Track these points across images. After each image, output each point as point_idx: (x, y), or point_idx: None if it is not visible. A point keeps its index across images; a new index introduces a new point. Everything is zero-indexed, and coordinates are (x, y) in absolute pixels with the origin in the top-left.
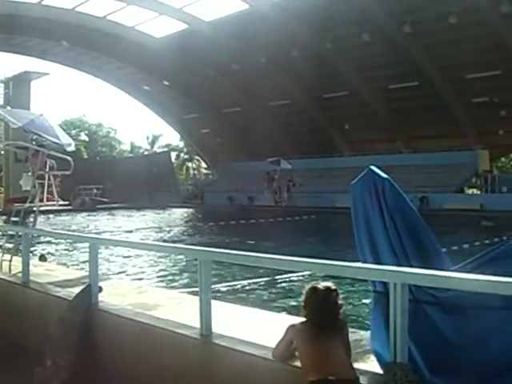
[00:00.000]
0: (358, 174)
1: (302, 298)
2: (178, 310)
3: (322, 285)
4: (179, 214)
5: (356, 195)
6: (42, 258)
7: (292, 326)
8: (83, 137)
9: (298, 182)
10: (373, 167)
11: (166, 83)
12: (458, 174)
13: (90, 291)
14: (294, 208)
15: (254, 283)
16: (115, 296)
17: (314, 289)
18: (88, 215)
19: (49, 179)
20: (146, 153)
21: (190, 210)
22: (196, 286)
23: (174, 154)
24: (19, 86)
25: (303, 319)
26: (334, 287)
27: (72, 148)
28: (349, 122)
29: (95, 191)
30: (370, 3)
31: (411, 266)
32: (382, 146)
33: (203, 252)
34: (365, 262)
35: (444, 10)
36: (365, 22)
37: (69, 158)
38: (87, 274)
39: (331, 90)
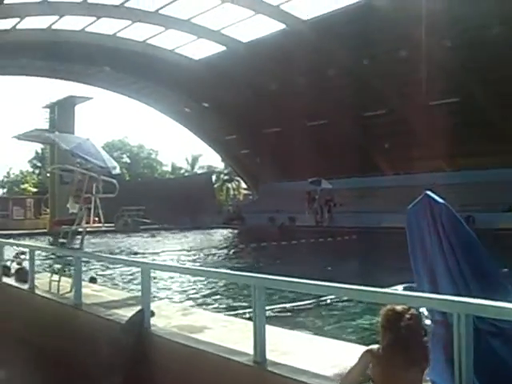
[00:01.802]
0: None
1: (381, 321)
2: (225, 333)
3: (404, 308)
4: (220, 234)
5: (412, 220)
6: (93, 280)
7: (369, 352)
8: (125, 159)
9: (338, 202)
10: (428, 192)
11: (206, 105)
12: (507, 192)
13: (142, 315)
14: (336, 228)
15: (300, 305)
16: (161, 318)
17: (398, 313)
18: (131, 236)
19: (95, 202)
20: (186, 174)
21: (231, 231)
22: (236, 309)
23: (214, 175)
24: (64, 110)
25: (377, 345)
26: (417, 312)
27: (117, 171)
28: (389, 141)
29: (137, 212)
30: (408, 20)
31: (471, 294)
32: (424, 164)
33: (257, 279)
34: (422, 289)
35: (483, 23)
36: (403, 38)
37: (114, 180)
38: (135, 295)
39: (370, 109)
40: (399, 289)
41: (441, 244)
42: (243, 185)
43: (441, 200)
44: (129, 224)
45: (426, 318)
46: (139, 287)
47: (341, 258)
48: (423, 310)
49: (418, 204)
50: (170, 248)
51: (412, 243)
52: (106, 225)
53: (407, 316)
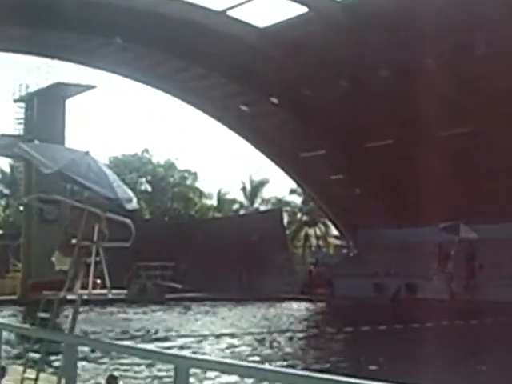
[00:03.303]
0: None
1: None
2: None
3: None
4: (293, 310)
5: None
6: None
7: None
8: (145, 185)
9: (487, 262)
10: None
11: (274, 101)
12: None
13: None
14: (483, 304)
15: None
16: None
17: None
18: (152, 310)
19: (97, 254)
20: (242, 211)
21: (312, 306)
22: None
23: (286, 214)
24: (48, 105)
25: None
26: None
27: (133, 205)
28: None
29: (162, 272)
30: None
31: None
32: None
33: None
34: None
35: None
36: None
37: (127, 221)
38: None
39: None
40: None
41: None
42: (333, 230)
43: None
44: (148, 290)
45: None
46: None
47: (499, 359)
48: None
49: None
50: (212, 329)
51: None
52: (114, 291)
53: None
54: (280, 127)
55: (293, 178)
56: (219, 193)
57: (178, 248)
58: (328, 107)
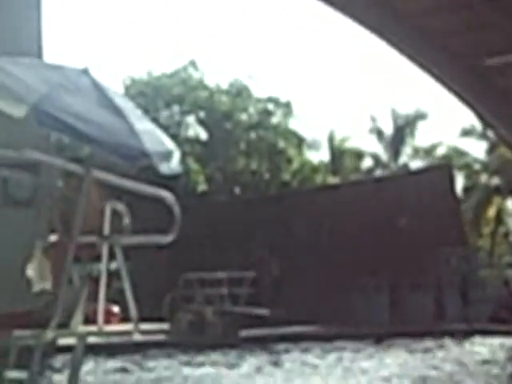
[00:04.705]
0: None
1: None
2: None
3: None
4: (484, 353)
5: None
6: None
7: None
8: (194, 128)
9: None
10: None
11: None
12: None
13: None
14: None
15: None
16: None
17: None
18: (216, 365)
19: (111, 258)
20: (376, 173)
21: None
22: None
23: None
24: None
25: None
26: None
27: (175, 166)
28: None
29: (233, 290)
30: None
31: None
32: None
33: None
34: None
35: None
36: None
37: (166, 195)
38: None
39: None
40: None
41: None
42: None
43: None
44: (208, 323)
45: None
46: None
47: None
48: None
49: None
50: None
51: None
52: (144, 326)
53: None
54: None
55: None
56: (331, 138)
57: (260, 244)
58: None
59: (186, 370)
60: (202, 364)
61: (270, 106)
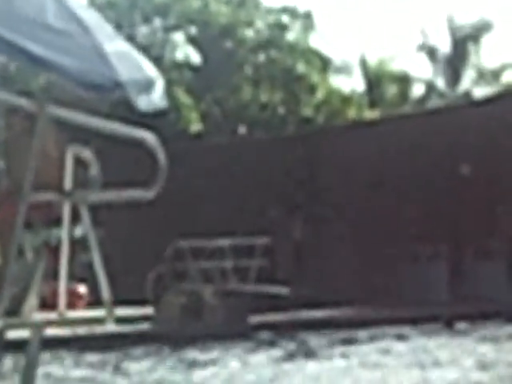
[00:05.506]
0: None
1: None
2: None
3: None
4: None
5: None
6: None
7: None
8: (183, 49)
9: None
10: None
11: None
12: None
13: None
14: None
15: None
16: None
17: None
18: (216, 361)
19: (75, 222)
20: (429, 103)
21: None
22: None
23: None
24: None
25: None
26: None
27: (157, 100)
28: None
29: (239, 262)
30: None
31: None
32: None
33: None
34: None
35: None
36: None
37: (148, 135)
38: None
39: None
40: None
41: None
42: None
43: None
44: (206, 307)
45: None
46: None
47: None
48: None
49: None
50: None
51: None
52: (122, 312)
53: None
54: None
55: None
56: (364, 61)
57: (275, 200)
58: None
59: (178, 374)
60: (199, 364)
61: (285, 19)
